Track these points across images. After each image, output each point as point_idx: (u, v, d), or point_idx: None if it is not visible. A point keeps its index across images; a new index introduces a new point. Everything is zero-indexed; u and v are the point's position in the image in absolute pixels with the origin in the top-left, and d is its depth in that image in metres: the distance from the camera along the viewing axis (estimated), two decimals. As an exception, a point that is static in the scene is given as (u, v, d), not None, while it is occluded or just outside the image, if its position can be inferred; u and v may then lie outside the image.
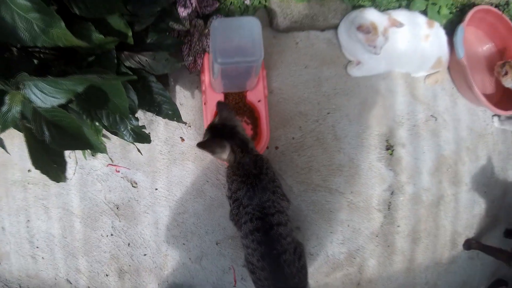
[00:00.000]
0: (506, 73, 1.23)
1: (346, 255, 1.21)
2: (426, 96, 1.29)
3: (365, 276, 1.24)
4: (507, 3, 1.36)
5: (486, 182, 1.38)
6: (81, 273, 1.21)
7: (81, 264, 1.20)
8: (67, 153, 1.17)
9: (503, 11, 1.33)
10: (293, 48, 1.16)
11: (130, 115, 0.81)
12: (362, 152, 1.19)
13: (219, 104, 0.91)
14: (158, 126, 1.14)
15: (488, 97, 1.36)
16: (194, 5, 0.93)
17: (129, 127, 0.82)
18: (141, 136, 0.85)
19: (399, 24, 1.06)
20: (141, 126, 0.85)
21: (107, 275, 1.20)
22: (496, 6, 1.34)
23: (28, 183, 1.20)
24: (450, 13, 1.28)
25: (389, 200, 1.22)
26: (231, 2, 1.08)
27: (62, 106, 0.57)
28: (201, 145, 0.87)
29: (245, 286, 1.17)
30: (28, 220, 1.21)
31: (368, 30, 0.99)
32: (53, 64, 0.72)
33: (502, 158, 1.41)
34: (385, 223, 1.23)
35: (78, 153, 1.15)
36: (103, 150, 0.76)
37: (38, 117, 0.57)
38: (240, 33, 0.80)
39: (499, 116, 1.38)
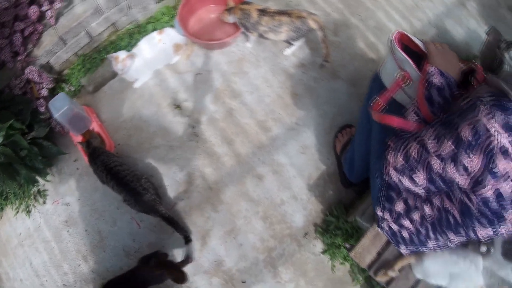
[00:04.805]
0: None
1: (188, 175, 2.42)
2: (188, 68, 2.66)
3: (210, 181, 2.41)
4: None
5: (270, 84, 2.59)
6: (68, 274, 2.51)
7: (65, 267, 2.51)
8: (34, 209, 2.63)
9: None
10: (105, 96, 2.67)
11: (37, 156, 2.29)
12: (161, 117, 2.54)
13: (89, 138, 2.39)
14: (69, 163, 2.60)
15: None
16: (44, 106, 2.48)
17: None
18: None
19: (130, 61, 2.46)
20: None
21: (79, 265, 2.49)
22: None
23: (23, 241, 2.63)
24: (172, 17, 2.73)
25: (193, 131, 2.48)
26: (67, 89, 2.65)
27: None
28: (80, 143, 2.34)
29: (145, 225, 2.39)
30: (31, 263, 2.59)
31: (112, 58, 2.44)
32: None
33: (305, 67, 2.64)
34: (201, 144, 2.46)
35: (37, 205, 2.60)
36: (28, 178, 2.24)
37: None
38: (58, 102, 2.30)
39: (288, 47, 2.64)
